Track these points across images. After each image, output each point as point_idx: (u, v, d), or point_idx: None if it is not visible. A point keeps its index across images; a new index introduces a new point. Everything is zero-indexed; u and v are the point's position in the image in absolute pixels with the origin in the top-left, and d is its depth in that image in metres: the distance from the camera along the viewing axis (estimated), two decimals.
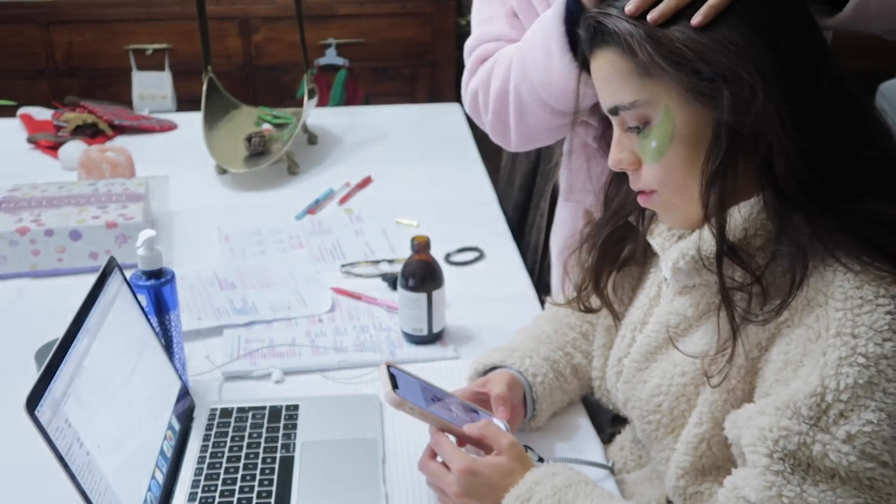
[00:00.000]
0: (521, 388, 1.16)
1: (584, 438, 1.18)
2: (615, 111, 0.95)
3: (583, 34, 0.97)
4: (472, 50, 1.40)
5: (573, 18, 1.14)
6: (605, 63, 0.94)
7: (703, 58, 0.86)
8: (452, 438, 1.05)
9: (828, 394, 0.82)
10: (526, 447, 1.08)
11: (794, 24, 0.89)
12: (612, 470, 1.14)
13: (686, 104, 0.89)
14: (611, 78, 0.93)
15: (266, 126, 2.16)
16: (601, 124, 1.14)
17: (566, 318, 1.25)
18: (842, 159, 0.87)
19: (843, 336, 0.82)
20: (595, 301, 1.17)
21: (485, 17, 1.41)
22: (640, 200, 0.99)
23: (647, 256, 1.12)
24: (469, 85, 1.38)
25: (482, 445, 1.03)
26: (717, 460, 0.97)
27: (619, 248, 1.13)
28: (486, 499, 0.98)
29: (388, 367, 1.07)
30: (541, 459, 1.09)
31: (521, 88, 1.28)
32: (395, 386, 1.04)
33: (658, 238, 1.04)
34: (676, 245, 0.98)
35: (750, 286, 0.89)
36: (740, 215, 0.90)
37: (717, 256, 0.90)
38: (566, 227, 1.45)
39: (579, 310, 1.19)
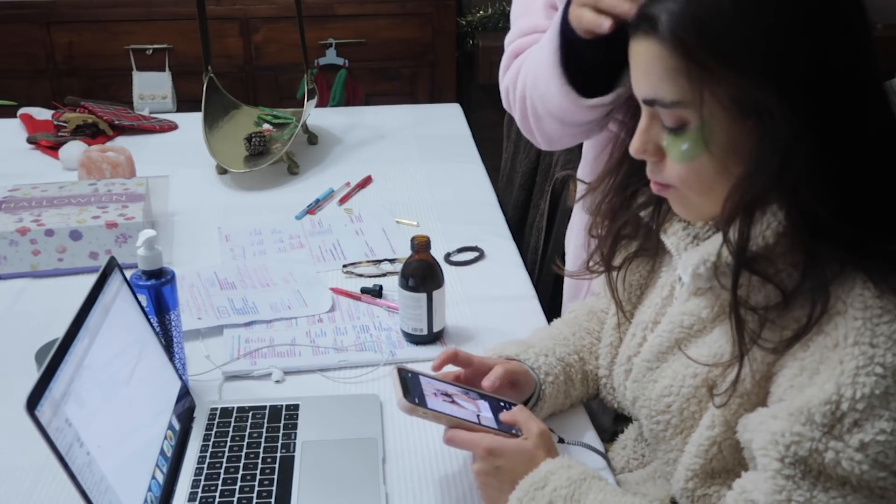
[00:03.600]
0: (533, 384, 1.16)
1: (585, 438, 1.18)
2: (651, 103, 0.90)
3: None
4: (509, 44, 1.37)
5: (569, 38, 1.12)
6: (649, 54, 0.87)
7: (762, 77, 0.82)
8: None
9: (843, 402, 0.81)
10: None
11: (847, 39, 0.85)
12: (606, 458, 1.14)
13: (731, 114, 0.85)
14: (653, 70, 0.88)
15: (266, 126, 2.16)
16: (628, 113, 1.05)
17: (585, 323, 1.25)
18: (883, 200, 0.85)
19: (861, 345, 0.82)
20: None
21: (523, 9, 1.37)
22: (655, 189, 0.97)
23: (658, 251, 1.10)
24: (503, 81, 1.36)
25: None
26: (727, 464, 0.96)
27: (631, 205, 1.08)
28: (505, 481, 0.99)
29: (399, 371, 1.07)
30: (561, 440, 1.11)
31: (532, 96, 1.25)
32: (406, 391, 1.03)
33: (672, 237, 1.03)
34: (696, 249, 0.96)
35: (765, 311, 0.88)
36: (764, 221, 0.87)
37: (733, 277, 0.89)
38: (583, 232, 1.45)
39: (599, 271, 1.15)
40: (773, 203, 0.86)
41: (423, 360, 1.34)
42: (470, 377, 1.14)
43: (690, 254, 0.96)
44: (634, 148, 0.93)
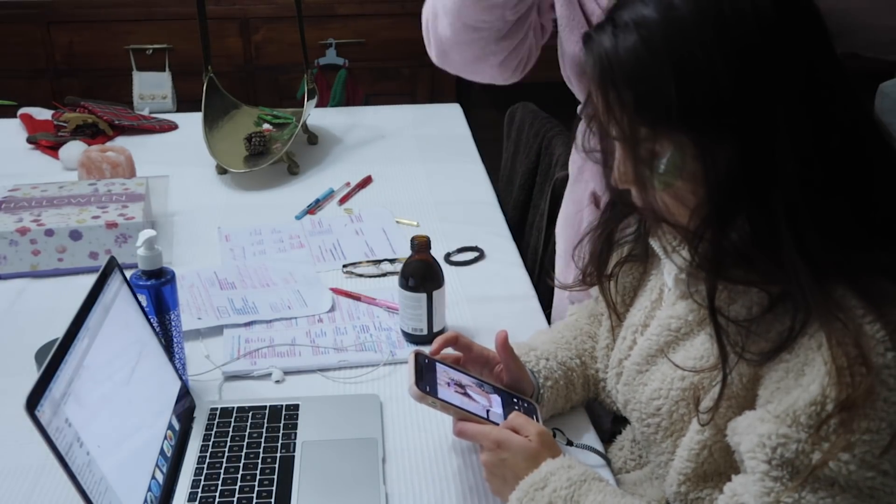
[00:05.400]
0: (532, 386, 1.16)
1: (584, 438, 1.18)
2: (620, 139, 0.91)
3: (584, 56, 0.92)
4: None
5: None
6: (604, 100, 0.89)
7: (720, 109, 0.82)
8: None
9: (828, 403, 0.81)
10: (555, 430, 1.10)
11: (821, 58, 0.85)
12: (610, 463, 1.14)
13: (698, 143, 0.85)
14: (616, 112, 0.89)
15: (266, 126, 2.17)
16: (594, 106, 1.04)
17: (586, 326, 1.25)
18: (857, 213, 0.85)
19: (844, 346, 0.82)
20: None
21: None
22: (644, 213, 0.97)
23: (649, 255, 1.11)
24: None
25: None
26: (718, 467, 0.96)
27: (623, 234, 1.11)
28: (508, 476, 0.99)
29: (417, 355, 1.07)
30: (570, 443, 1.12)
31: None
32: (419, 378, 1.04)
33: (661, 241, 1.03)
34: (680, 252, 0.96)
35: (747, 323, 0.88)
36: (738, 229, 0.87)
37: (708, 291, 0.89)
38: (572, 215, 1.46)
39: (592, 282, 1.16)
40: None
41: None
42: (468, 364, 1.14)
43: (675, 257, 0.96)
44: (616, 179, 0.94)
